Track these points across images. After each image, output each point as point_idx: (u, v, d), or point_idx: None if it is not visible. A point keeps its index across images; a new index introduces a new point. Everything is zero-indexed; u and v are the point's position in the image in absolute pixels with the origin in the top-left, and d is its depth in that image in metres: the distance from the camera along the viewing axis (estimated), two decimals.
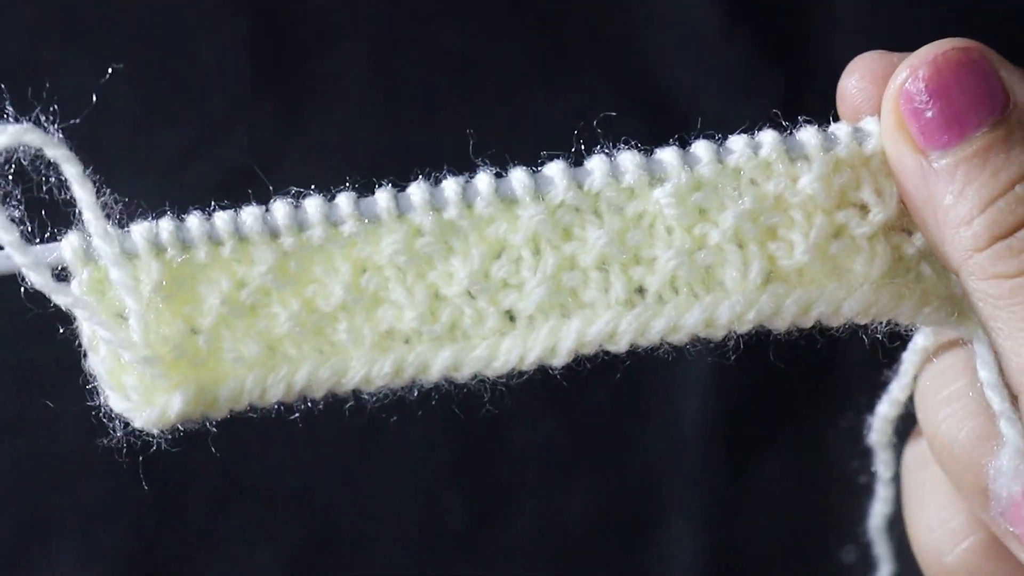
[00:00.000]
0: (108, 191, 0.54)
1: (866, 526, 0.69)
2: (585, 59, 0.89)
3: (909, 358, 0.58)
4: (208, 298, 0.52)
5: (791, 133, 0.52)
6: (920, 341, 0.57)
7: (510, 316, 0.53)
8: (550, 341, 0.52)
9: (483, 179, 0.52)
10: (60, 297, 0.52)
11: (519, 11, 0.92)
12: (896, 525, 0.67)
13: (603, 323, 0.52)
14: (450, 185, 0.52)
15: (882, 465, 0.64)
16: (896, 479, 0.65)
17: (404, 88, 0.91)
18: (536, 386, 0.91)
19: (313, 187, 0.53)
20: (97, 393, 0.53)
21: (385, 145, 0.91)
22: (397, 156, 0.91)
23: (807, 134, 0.51)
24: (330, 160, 0.91)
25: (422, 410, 0.89)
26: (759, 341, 0.90)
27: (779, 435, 0.90)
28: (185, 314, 0.52)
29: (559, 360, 0.53)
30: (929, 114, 0.49)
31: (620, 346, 0.53)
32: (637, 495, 0.90)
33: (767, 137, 0.51)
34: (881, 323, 0.53)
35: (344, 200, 0.52)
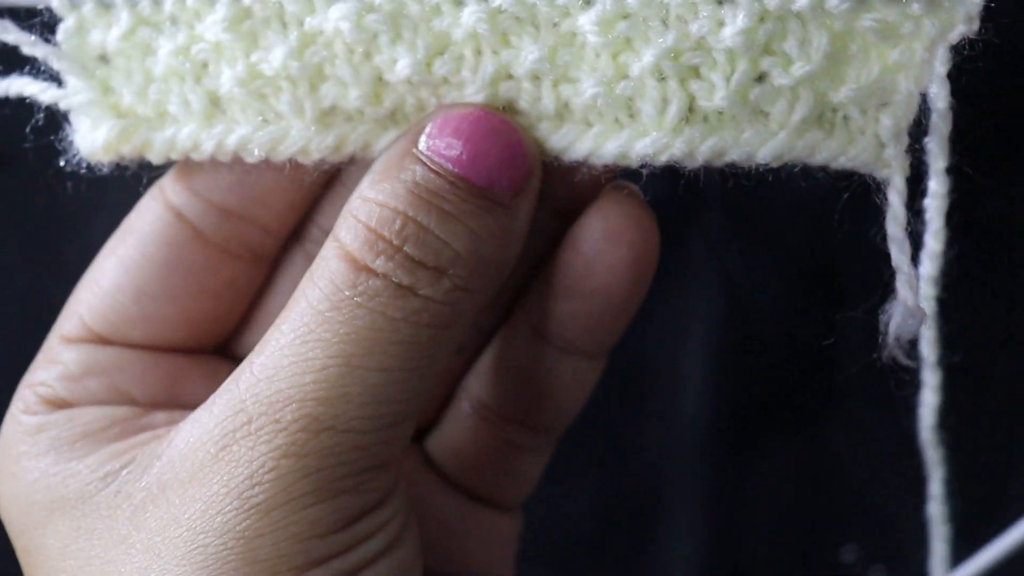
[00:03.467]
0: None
1: (915, 426, 0.67)
2: None
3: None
4: (164, 48, 0.56)
5: None
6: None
7: None
8: None
9: None
10: (34, 48, 0.58)
11: None
12: (948, 419, 0.66)
13: (534, 134, 0.54)
14: None
15: (927, 345, 0.63)
16: (942, 364, 0.64)
17: None
18: None
19: None
20: None
21: None
22: None
23: None
24: None
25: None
26: (759, 341, 0.90)
27: (779, 435, 0.90)
28: (145, 65, 0.57)
29: None
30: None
31: (550, 156, 0.55)
32: (637, 495, 0.90)
33: None
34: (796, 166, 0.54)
35: None
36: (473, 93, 0.54)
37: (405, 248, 0.52)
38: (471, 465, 0.63)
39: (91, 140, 0.58)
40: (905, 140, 0.54)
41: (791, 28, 0.52)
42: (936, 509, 0.70)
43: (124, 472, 0.53)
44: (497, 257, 0.54)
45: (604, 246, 0.57)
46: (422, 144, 0.53)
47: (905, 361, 0.58)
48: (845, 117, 0.53)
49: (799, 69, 0.52)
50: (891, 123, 0.53)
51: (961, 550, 0.72)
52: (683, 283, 0.86)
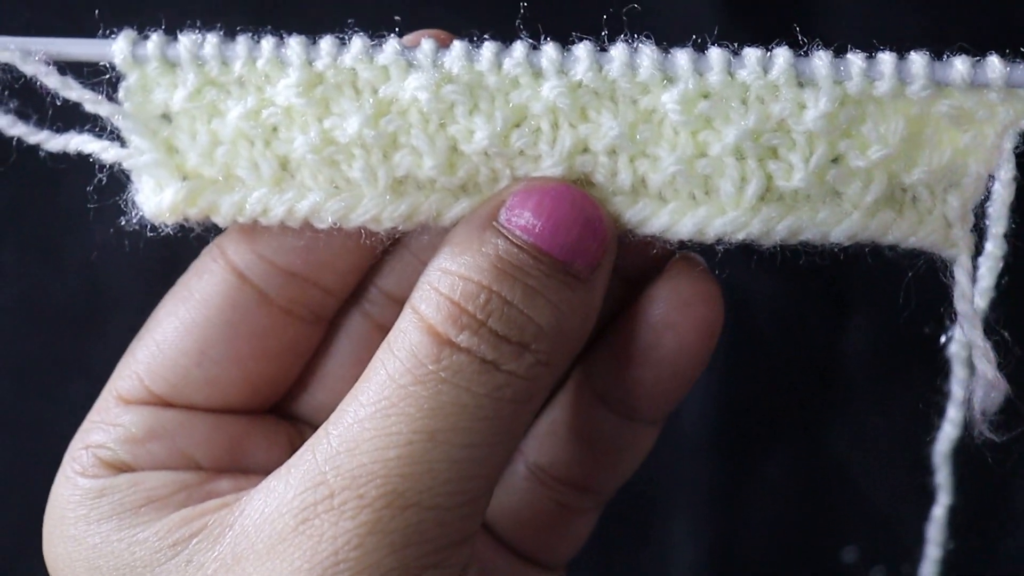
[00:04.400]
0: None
1: (929, 451, 0.67)
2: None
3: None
4: (234, 111, 0.55)
5: (805, 54, 0.52)
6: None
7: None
8: None
9: (517, 45, 0.54)
10: (98, 106, 0.56)
11: (518, 9, 0.92)
12: (960, 453, 0.66)
13: (612, 208, 0.55)
14: (487, 44, 0.54)
15: (957, 384, 0.63)
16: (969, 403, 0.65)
17: None
18: None
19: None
20: None
21: None
22: None
23: (819, 63, 0.52)
24: None
25: None
26: (761, 344, 0.90)
27: (779, 435, 0.90)
28: (212, 127, 0.56)
29: None
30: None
31: (626, 229, 0.55)
32: (637, 495, 0.90)
33: (780, 57, 0.52)
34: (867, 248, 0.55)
35: (389, 42, 0.55)
36: (550, 166, 0.54)
37: (489, 323, 0.51)
38: (523, 525, 0.63)
39: (156, 202, 0.56)
40: (971, 220, 0.55)
41: (870, 112, 0.52)
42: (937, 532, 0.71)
43: (194, 541, 0.52)
44: (576, 331, 0.53)
45: (674, 318, 0.58)
46: (503, 217, 0.52)
47: (992, 435, 0.58)
48: (914, 198, 0.54)
49: (876, 152, 0.53)
50: (959, 204, 0.54)
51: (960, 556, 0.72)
52: None
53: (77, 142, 0.57)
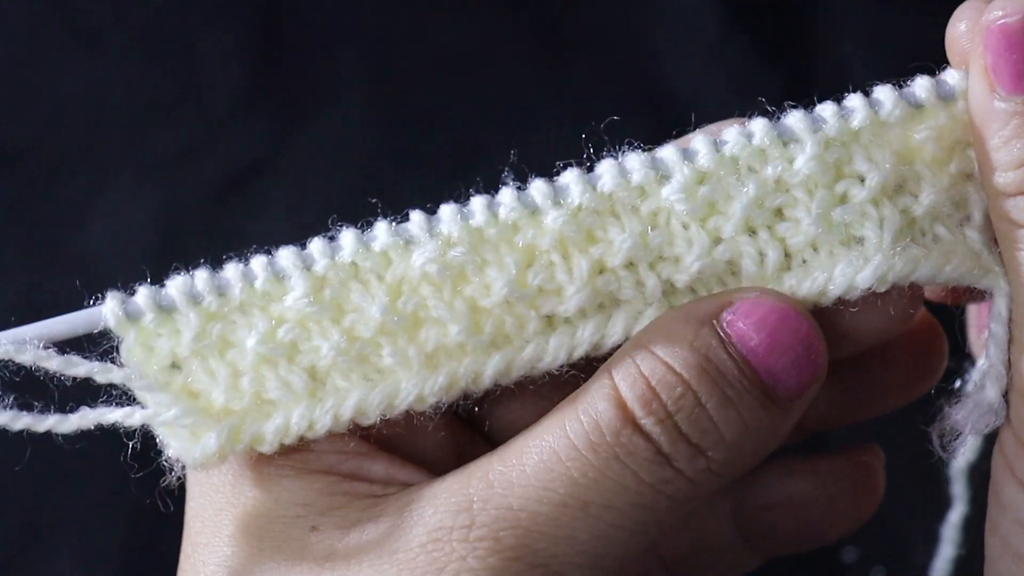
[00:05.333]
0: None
1: (929, 451, 0.69)
2: (585, 60, 0.89)
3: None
4: (250, 339, 0.54)
5: (779, 119, 0.54)
6: None
7: (549, 320, 0.55)
8: (595, 338, 0.54)
9: (505, 191, 0.54)
10: (107, 375, 0.54)
11: (519, 12, 0.92)
12: (976, 470, 0.68)
13: (647, 318, 0.54)
14: (476, 199, 0.54)
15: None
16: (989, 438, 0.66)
17: (404, 88, 0.92)
18: (536, 386, 0.91)
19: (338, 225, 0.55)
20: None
21: (385, 146, 0.91)
22: (397, 156, 0.91)
23: (794, 119, 0.53)
24: (330, 159, 0.91)
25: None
26: None
27: None
28: (228, 359, 0.54)
29: (604, 351, 0.54)
30: (1002, 57, 0.51)
31: None
32: None
33: (757, 125, 0.53)
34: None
35: (379, 226, 0.54)
36: (573, 294, 0.54)
37: (676, 417, 0.51)
38: None
39: (199, 451, 0.54)
40: (994, 245, 0.55)
41: (855, 151, 0.54)
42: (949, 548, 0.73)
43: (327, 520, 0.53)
44: (756, 452, 0.53)
45: (830, 512, 0.63)
46: (725, 319, 0.52)
47: (969, 458, 0.60)
48: (935, 238, 0.55)
49: (873, 179, 0.53)
50: (977, 234, 0.55)
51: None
52: None
53: (94, 416, 0.55)
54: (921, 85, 0.54)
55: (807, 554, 0.89)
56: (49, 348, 0.54)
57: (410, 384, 0.54)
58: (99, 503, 0.84)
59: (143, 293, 0.55)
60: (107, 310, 0.54)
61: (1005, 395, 0.54)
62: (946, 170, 0.55)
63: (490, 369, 0.55)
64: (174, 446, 0.55)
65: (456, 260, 0.53)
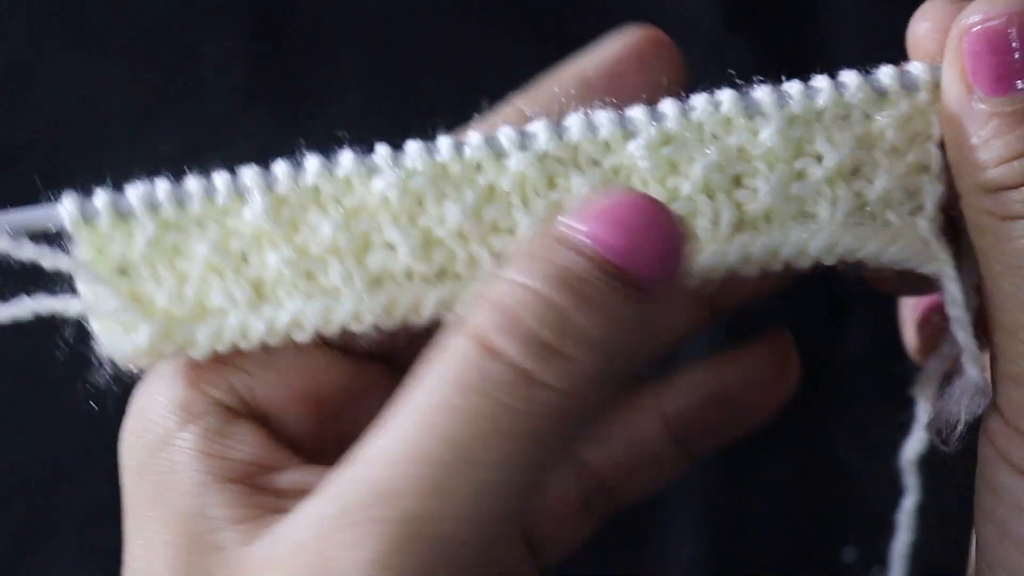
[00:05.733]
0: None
1: (898, 458, 0.72)
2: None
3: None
4: (201, 247, 0.55)
5: (747, 92, 0.55)
6: None
7: (500, 260, 0.55)
8: None
9: (472, 133, 0.56)
10: (56, 261, 0.55)
11: (518, 10, 0.92)
12: (927, 460, 0.71)
13: None
14: (442, 138, 0.55)
15: (923, 412, 0.66)
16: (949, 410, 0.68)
17: (404, 87, 0.92)
18: None
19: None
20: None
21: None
22: None
23: (762, 93, 0.55)
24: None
25: None
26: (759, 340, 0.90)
27: (780, 436, 0.90)
28: (176, 267, 0.55)
29: None
30: (983, 61, 0.52)
31: None
32: None
33: (725, 95, 0.55)
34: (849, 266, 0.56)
35: (344, 155, 0.55)
36: (525, 230, 0.54)
37: (533, 332, 0.48)
38: (549, 525, 0.62)
39: (127, 345, 0.55)
40: (941, 235, 0.56)
41: (818, 130, 0.55)
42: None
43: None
44: (636, 345, 0.50)
45: (754, 395, 0.64)
46: (572, 222, 0.49)
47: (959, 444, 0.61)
48: (885, 223, 0.56)
49: (831, 159, 0.55)
50: (927, 224, 0.56)
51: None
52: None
53: (31, 305, 0.56)
54: (886, 73, 0.56)
55: (807, 554, 0.89)
56: None
57: (349, 302, 0.55)
58: (99, 503, 0.84)
59: (101, 196, 0.55)
60: (64, 209, 0.55)
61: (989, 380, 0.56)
62: (903, 160, 0.56)
63: (432, 298, 0.54)
64: (106, 341, 0.55)
65: (417, 187, 0.54)
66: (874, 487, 0.83)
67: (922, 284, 0.58)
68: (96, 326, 0.56)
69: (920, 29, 0.56)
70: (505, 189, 0.54)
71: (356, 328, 0.55)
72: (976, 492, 0.56)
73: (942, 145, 0.56)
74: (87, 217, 0.55)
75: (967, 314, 0.56)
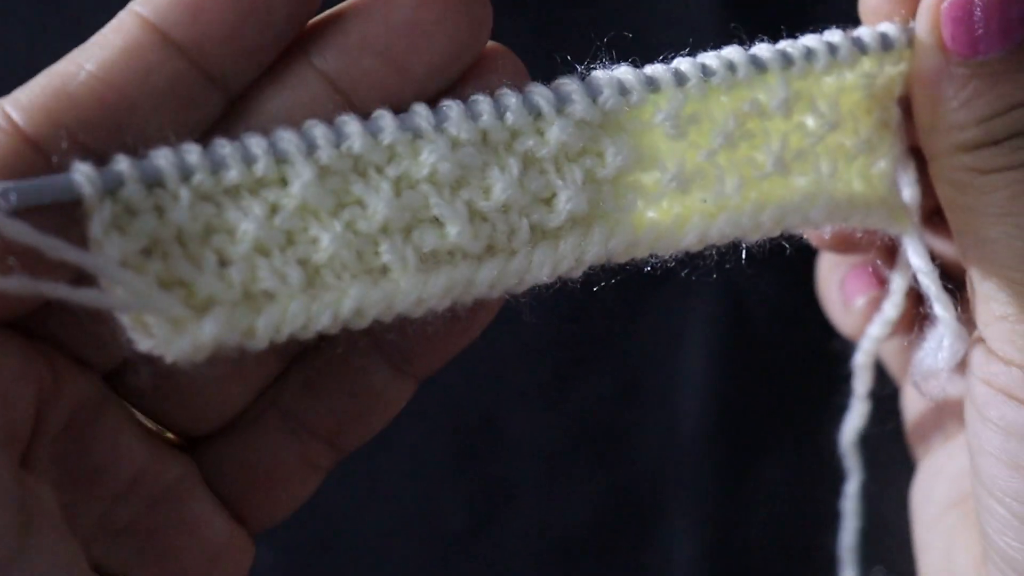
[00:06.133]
0: None
1: (837, 437, 0.74)
2: (582, 58, 0.89)
3: (898, 281, 0.65)
4: (240, 224, 0.49)
5: (750, 49, 0.58)
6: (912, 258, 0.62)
7: (533, 230, 0.53)
8: (577, 252, 0.54)
9: (509, 95, 0.53)
10: (69, 253, 0.46)
11: (519, 12, 0.92)
12: (867, 440, 0.73)
13: (623, 236, 0.54)
14: (482, 100, 0.52)
15: (860, 384, 0.70)
16: (872, 396, 0.71)
17: None
18: (537, 386, 0.92)
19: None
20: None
21: None
22: None
23: (766, 51, 0.58)
24: None
25: (422, 410, 0.89)
26: (759, 342, 0.90)
27: (779, 435, 0.90)
28: (215, 246, 0.49)
29: (579, 271, 0.54)
30: (962, 26, 0.55)
31: (634, 255, 0.55)
32: (637, 495, 0.90)
33: (736, 54, 0.57)
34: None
35: (384, 117, 0.51)
36: (567, 200, 0.53)
37: None
38: (255, 478, 0.58)
39: (187, 341, 0.48)
40: (900, 193, 0.60)
41: (811, 94, 0.57)
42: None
43: None
44: None
45: None
46: None
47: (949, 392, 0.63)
48: (849, 181, 0.58)
49: (822, 127, 0.57)
50: (887, 180, 0.59)
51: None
52: (683, 284, 0.86)
53: (50, 289, 0.46)
54: (868, 33, 0.57)
55: (807, 554, 0.89)
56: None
57: (409, 285, 0.51)
58: None
59: (124, 161, 0.47)
60: (81, 175, 0.46)
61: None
62: (869, 117, 0.58)
63: (483, 275, 0.52)
64: (153, 338, 0.48)
65: (465, 160, 0.52)
66: (874, 487, 0.83)
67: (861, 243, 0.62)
68: (131, 324, 0.48)
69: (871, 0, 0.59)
70: (542, 156, 0.53)
71: (415, 313, 0.51)
72: (973, 430, 0.58)
73: (900, 104, 0.58)
74: (109, 185, 0.47)
75: (932, 265, 0.59)
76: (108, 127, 0.48)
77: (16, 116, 0.48)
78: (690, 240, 0.55)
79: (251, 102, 0.51)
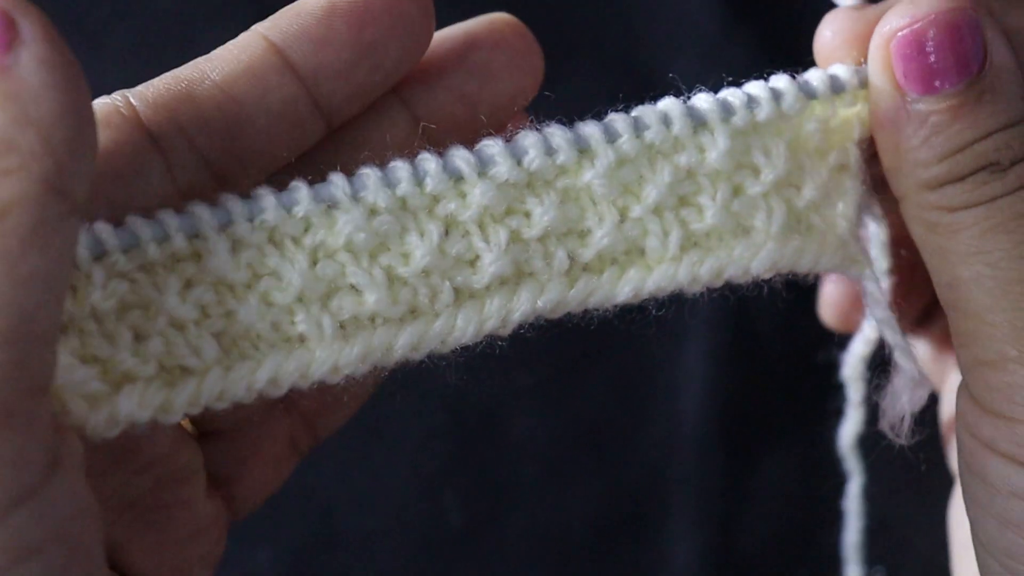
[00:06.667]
0: None
1: (838, 444, 0.75)
2: (584, 58, 0.89)
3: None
4: (156, 300, 0.50)
5: (689, 101, 0.55)
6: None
7: (458, 293, 0.53)
8: (503, 312, 0.53)
9: (427, 158, 0.53)
10: None
11: (518, 11, 0.92)
12: (864, 441, 0.73)
13: (552, 294, 0.54)
14: (399, 166, 0.52)
15: (854, 393, 0.70)
16: (866, 403, 0.72)
17: None
18: (537, 386, 0.91)
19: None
20: None
21: None
22: None
23: (706, 104, 0.55)
24: None
25: (422, 410, 0.89)
26: (760, 342, 0.90)
27: (779, 435, 0.90)
28: (131, 320, 0.50)
29: (508, 330, 0.54)
30: (914, 62, 0.54)
31: (567, 311, 0.55)
32: (637, 495, 0.90)
33: (675, 111, 0.54)
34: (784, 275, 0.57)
35: (300, 190, 0.51)
36: (491, 263, 0.53)
37: None
38: (248, 461, 0.59)
39: (102, 417, 0.49)
40: (860, 236, 0.58)
41: (754, 143, 0.55)
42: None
43: None
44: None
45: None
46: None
47: (915, 437, 0.63)
48: (809, 226, 0.56)
49: (768, 175, 0.55)
50: (846, 223, 0.57)
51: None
52: None
53: None
54: (817, 77, 0.56)
55: (807, 554, 0.89)
56: None
57: (324, 354, 0.51)
58: None
59: (109, 231, 0.50)
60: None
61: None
62: (825, 161, 0.57)
63: (402, 340, 0.52)
64: (69, 414, 0.48)
65: (382, 228, 0.52)
66: (874, 487, 0.83)
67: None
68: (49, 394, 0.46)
69: (824, 37, 0.57)
70: (464, 219, 0.53)
71: (332, 380, 0.52)
72: (963, 481, 0.56)
73: (859, 145, 0.57)
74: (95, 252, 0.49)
75: (890, 313, 0.58)
76: (223, 135, 0.52)
77: (139, 106, 0.52)
78: (625, 295, 0.55)
79: (348, 133, 0.55)
